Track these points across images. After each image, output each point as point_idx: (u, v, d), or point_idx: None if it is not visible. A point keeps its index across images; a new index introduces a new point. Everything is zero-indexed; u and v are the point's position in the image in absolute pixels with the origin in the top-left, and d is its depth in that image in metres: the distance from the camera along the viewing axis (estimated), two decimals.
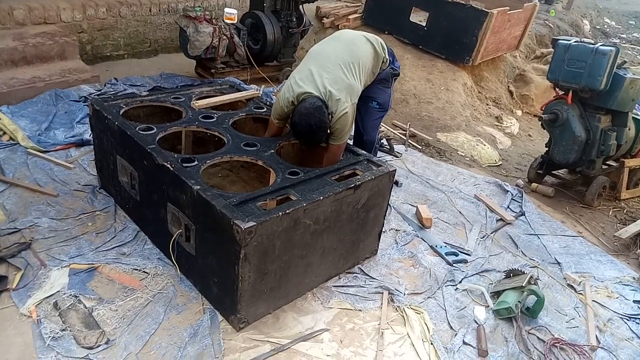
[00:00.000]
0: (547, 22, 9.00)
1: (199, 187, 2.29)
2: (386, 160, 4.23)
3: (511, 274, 2.82)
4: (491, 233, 3.45)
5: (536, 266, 3.15)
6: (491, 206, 3.75)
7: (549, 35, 8.43)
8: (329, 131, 2.79)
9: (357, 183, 2.54)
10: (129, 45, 5.57)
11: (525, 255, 3.26)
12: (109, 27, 5.31)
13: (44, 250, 2.65)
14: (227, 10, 5.04)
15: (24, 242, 2.68)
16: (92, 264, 2.60)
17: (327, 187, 2.47)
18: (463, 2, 5.83)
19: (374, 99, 3.21)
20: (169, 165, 2.43)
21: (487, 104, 6.06)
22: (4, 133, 3.64)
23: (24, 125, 3.77)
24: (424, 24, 6.05)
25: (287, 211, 2.22)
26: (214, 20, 4.82)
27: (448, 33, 5.85)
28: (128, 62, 5.56)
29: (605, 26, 12.33)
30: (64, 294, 2.39)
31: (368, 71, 3.00)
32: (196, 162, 2.53)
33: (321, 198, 2.35)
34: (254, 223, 2.09)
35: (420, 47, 6.09)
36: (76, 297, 2.39)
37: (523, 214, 3.76)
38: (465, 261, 3.08)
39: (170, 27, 5.79)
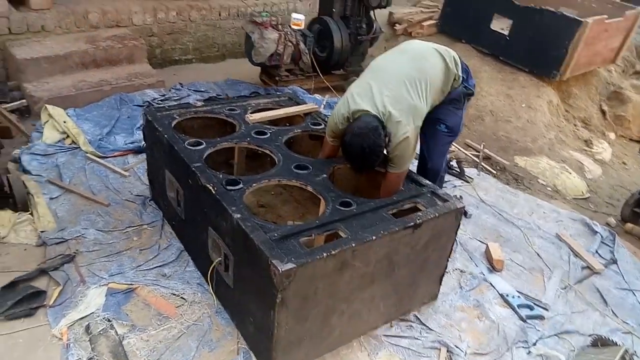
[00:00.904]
0: None
1: (239, 215, 2.09)
2: (455, 185, 3.86)
3: (599, 342, 2.36)
4: (575, 284, 2.97)
5: (630, 332, 2.64)
6: (576, 250, 3.25)
7: None
8: (388, 155, 2.49)
9: (418, 221, 2.22)
10: (198, 49, 5.57)
11: (617, 317, 2.76)
12: (179, 31, 5.32)
13: (86, 264, 2.58)
14: (294, 15, 4.86)
15: (69, 255, 2.62)
16: (130, 284, 2.49)
17: (382, 224, 2.18)
18: (553, 9, 5.24)
19: (442, 121, 2.84)
20: (211, 188, 2.25)
21: (575, 125, 5.42)
22: (68, 136, 3.68)
23: (87, 128, 3.80)
24: (506, 32, 5.53)
25: (333, 252, 1.95)
26: (280, 26, 4.66)
27: (533, 43, 5.28)
28: (195, 66, 5.56)
29: None
30: (98, 316, 2.28)
31: (437, 89, 2.65)
32: (241, 185, 2.33)
33: (374, 238, 2.06)
34: (294, 265, 1.84)
35: (500, 58, 5.57)
36: (109, 321, 2.27)
37: (615, 262, 3.22)
38: (541, 317, 2.64)
39: (238, 32, 5.72)
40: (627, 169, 5.04)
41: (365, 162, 2.45)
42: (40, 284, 2.43)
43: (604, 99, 6.08)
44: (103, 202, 3.08)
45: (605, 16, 5.23)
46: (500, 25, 5.69)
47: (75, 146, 3.60)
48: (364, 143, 2.35)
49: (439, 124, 2.85)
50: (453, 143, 4.45)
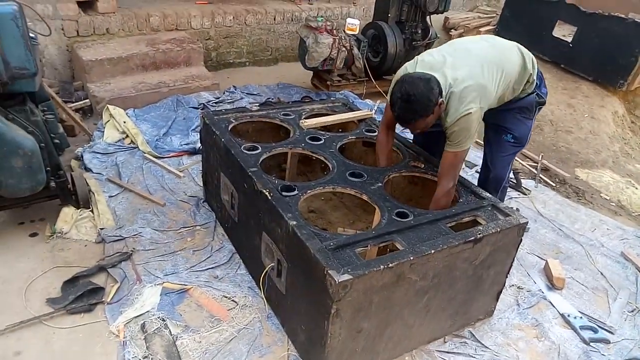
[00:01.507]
0: None
1: (295, 222, 2.07)
2: (511, 197, 3.71)
3: None
4: None
5: None
6: None
7: None
8: (446, 132, 2.38)
9: (478, 236, 2.13)
10: (252, 52, 5.65)
11: None
12: (235, 35, 5.41)
13: (142, 263, 2.65)
14: (349, 20, 4.83)
15: (126, 253, 2.69)
16: (184, 285, 2.53)
17: (441, 237, 2.11)
18: (622, 15, 4.97)
19: (509, 131, 2.71)
20: (267, 193, 2.25)
21: None
22: (127, 136, 3.80)
23: (145, 129, 3.91)
24: (569, 39, 5.30)
25: (390, 265, 1.90)
26: (334, 30, 4.64)
27: (599, 51, 5.04)
28: (249, 69, 5.63)
29: None
30: (153, 315, 2.33)
31: (509, 84, 2.52)
32: (296, 192, 2.32)
33: (432, 252, 2.00)
34: (350, 277, 1.80)
35: (562, 66, 5.35)
36: (164, 320, 2.31)
37: None
38: (606, 341, 2.49)
39: (292, 36, 5.76)
40: None
41: (409, 109, 2.27)
42: (99, 280, 2.51)
43: None
44: (159, 201, 3.16)
45: None
46: (563, 32, 5.46)
47: (133, 146, 3.72)
48: (411, 90, 2.23)
49: (506, 133, 2.72)
50: None
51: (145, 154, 3.62)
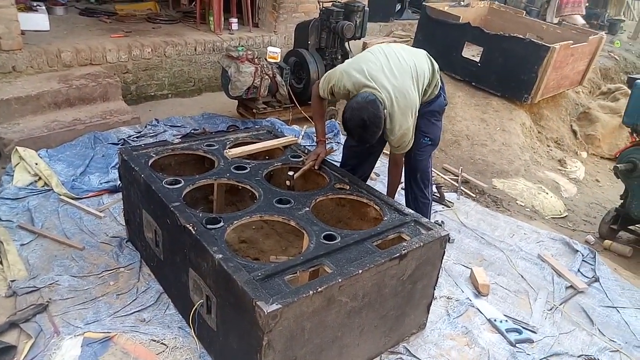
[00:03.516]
0: (612, 54, 8.38)
1: (221, 255, 2.03)
2: (436, 211, 3.86)
3: None
4: (560, 304, 2.97)
5: (618, 350, 2.64)
6: (558, 269, 3.27)
7: (614, 68, 7.82)
8: (388, 139, 2.79)
9: (403, 252, 2.19)
10: (174, 84, 5.54)
11: (604, 335, 2.76)
12: (154, 67, 5.29)
13: (60, 313, 2.46)
14: (270, 49, 4.90)
15: (41, 304, 2.49)
16: (107, 332, 2.37)
17: (368, 256, 2.14)
18: (521, 36, 5.44)
19: (426, 134, 3.01)
20: (190, 228, 2.19)
21: (548, 146, 5.55)
22: (40, 178, 3.57)
23: (60, 169, 3.70)
24: (477, 59, 5.70)
25: (320, 289, 1.90)
26: (256, 59, 4.68)
27: (504, 69, 5.46)
28: (172, 101, 5.52)
29: None
30: None
31: (424, 88, 2.86)
32: (222, 224, 2.27)
33: (360, 272, 2.02)
34: (280, 306, 1.78)
35: (473, 84, 5.72)
36: None
37: (597, 280, 3.24)
38: (530, 341, 2.62)
39: (214, 66, 5.73)
40: (600, 187, 5.15)
41: (366, 133, 2.59)
42: (10, 338, 2.30)
43: (574, 120, 6.27)
44: (77, 245, 2.97)
45: (571, 42, 5.45)
46: (471, 52, 5.86)
47: (47, 188, 3.49)
48: (363, 115, 2.51)
49: (424, 137, 3.00)
50: (432, 170, 4.53)
51: (60, 196, 3.41)
